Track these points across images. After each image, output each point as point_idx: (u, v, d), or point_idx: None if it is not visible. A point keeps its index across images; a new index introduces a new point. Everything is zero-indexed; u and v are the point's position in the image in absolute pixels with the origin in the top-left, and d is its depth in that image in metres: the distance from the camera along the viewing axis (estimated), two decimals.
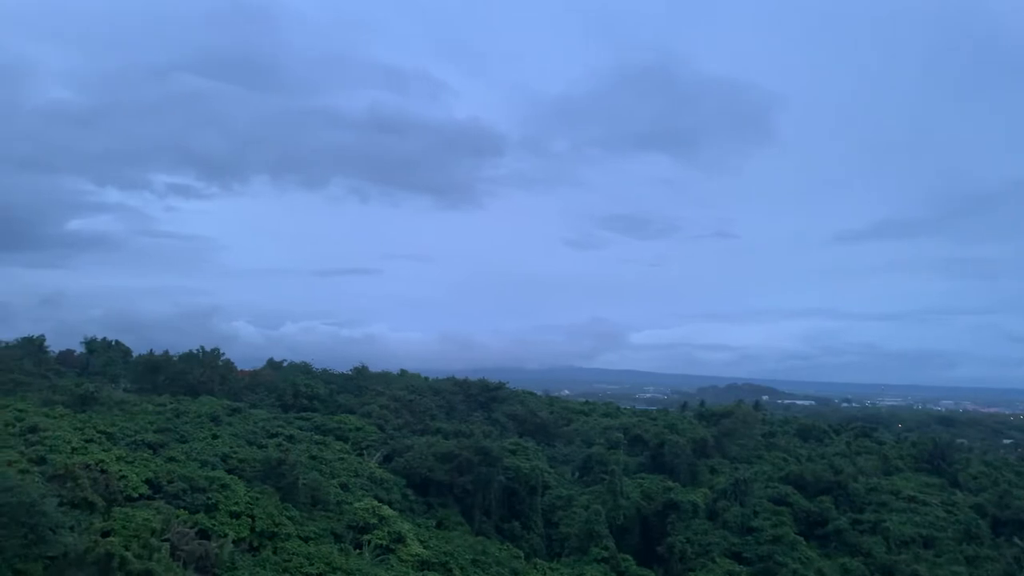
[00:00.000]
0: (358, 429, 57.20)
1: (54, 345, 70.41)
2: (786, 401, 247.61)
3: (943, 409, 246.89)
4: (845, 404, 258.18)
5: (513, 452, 59.44)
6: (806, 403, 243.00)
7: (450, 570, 37.77)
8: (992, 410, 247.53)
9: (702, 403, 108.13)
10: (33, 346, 67.07)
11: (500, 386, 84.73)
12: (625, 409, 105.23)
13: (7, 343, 67.24)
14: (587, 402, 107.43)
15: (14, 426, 36.36)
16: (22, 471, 26.95)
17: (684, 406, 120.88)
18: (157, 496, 31.83)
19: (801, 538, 53.95)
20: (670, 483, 60.22)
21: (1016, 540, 56.25)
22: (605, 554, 48.95)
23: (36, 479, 26.38)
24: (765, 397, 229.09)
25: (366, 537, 37.76)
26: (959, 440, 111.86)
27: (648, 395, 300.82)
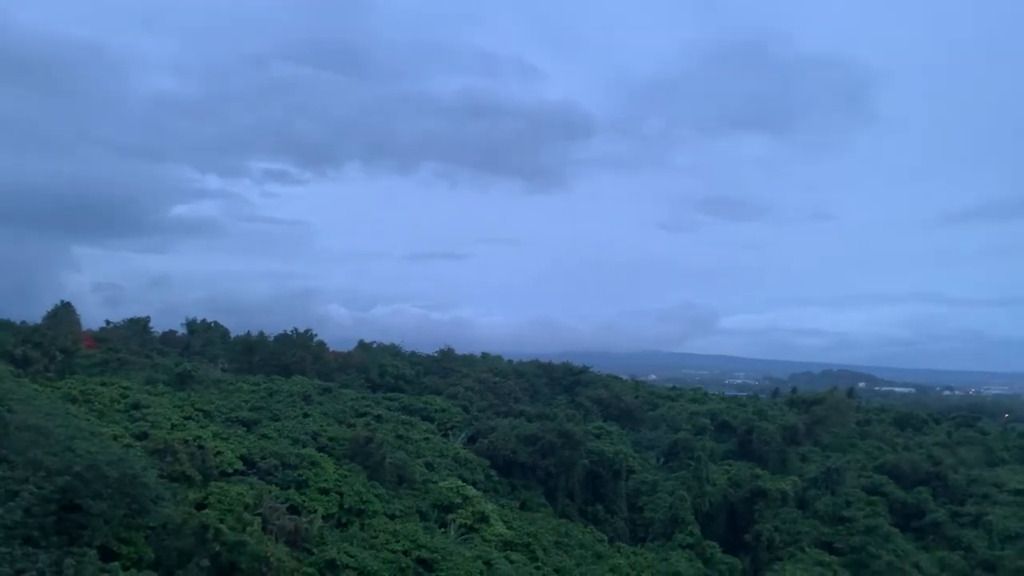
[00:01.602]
0: (443, 410, 58.04)
1: (158, 326, 73.57)
2: (884, 388, 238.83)
3: None
4: (947, 392, 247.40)
5: (597, 436, 59.32)
6: (905, 391, 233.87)
7: (533, 551, 38.01)
8: None
9: (794, 390, 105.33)
10: (139, 327, 70.24)
11: (584, 370, 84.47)
12: (713, 395, 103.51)
13: (115, 324, 70.62)
14: (674, 387, 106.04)
15: (119, 403, 38.20)
16: (126, 445, 28.30)
17: (775, 392, 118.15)
18: (250, 472, 33.01)
19: (896, 529, 52.22)
20: (758, 470, 59.05)
21: None
22: (690, 540, 48.49)
23: (139, 453, 27.70)
24: (862, 384, 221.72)
25: (451, 516, 38.32)
26: None
27: (738, 381, 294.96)
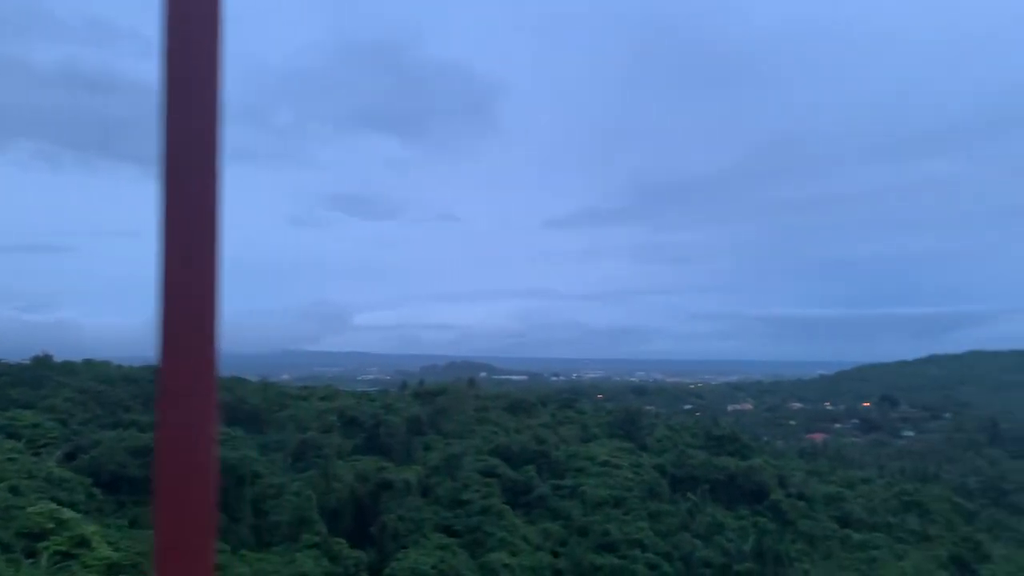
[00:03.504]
0: (35, 426, 51.05)
1: None
2: (502, 377, 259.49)
3: (637, 380, 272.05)
4: (554, 378, 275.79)
5: (220, 443, 56.32)
6: (520, 378, 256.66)
7: (143, 572, 34.95)
8: (677, 379, 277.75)
9: (421, 382, 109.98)
10: None
11: None
12: (345, 392, 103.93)
13: None
14: (306, 387, 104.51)
15: None
16: None
17: (404, 385, 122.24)
18: None
19: (508, 507, 56.76)
20: (384, 463, 60.52)
21: (690, 495, 63.52)
22: (316, 539, 48.14)
23: None
24: (483, 374, 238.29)
25: (42, 544, 33.77)
26: (648, 407, 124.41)
27: (371, 376, 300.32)
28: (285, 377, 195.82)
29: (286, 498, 53.35)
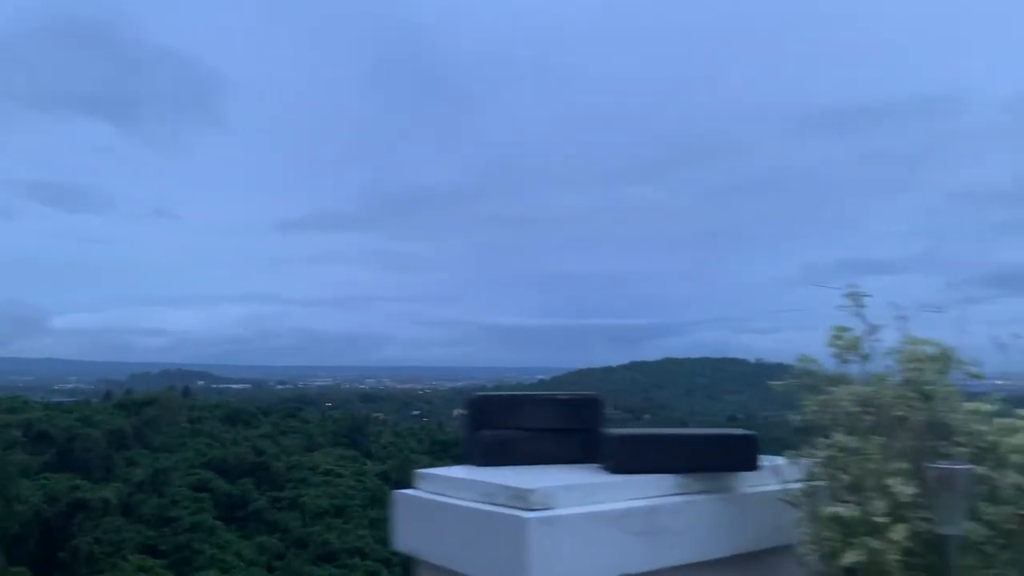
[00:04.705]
0: None
1: None
2: (222, 385, 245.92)
3: (367, 387, 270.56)
4: (280, 386, 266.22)
5: None
6: (242, 387, 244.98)
7: None
8: (407, 386, 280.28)
9: (128, 391, 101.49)
10: None
11: None
12: (35, 403, 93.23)
13: None
14: None
15: None
16: None
17: (107, 395, 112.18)
18: None
19: (221, 523, 54.26)
20: (78, 481, 55.23)
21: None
22: None
23: None
24: (201, 382, 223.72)
25: None
26: (376, 414, 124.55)
27: (71, 386, 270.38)
28: None
29: None
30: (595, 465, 1.94)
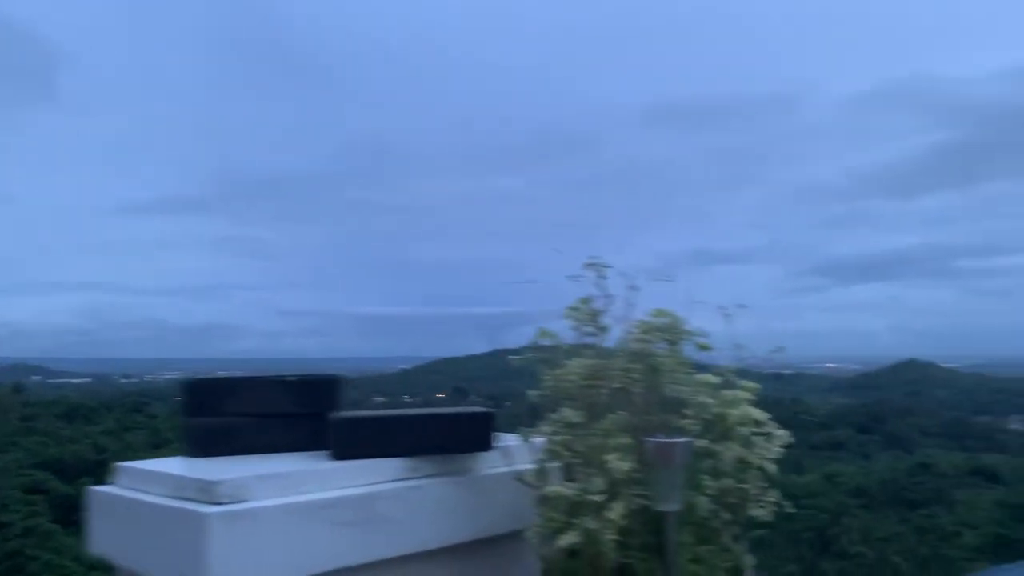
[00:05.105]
0: None
1: None
2: (60, 380, 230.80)
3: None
4: (125, 380, 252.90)
5: None
6: (82, 381, 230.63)
7: None
8: None
9: None
10: None
11: None
12: None
13: None
14: None
15: None
16: None
17: None
18: None
19: (58, 526, 50.85)
20: None
21: None
22: None
23: None
24: (36, 377, 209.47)
25: None
26: None
27: None
28: None
29: None
30: (324, 452, 1.79)
